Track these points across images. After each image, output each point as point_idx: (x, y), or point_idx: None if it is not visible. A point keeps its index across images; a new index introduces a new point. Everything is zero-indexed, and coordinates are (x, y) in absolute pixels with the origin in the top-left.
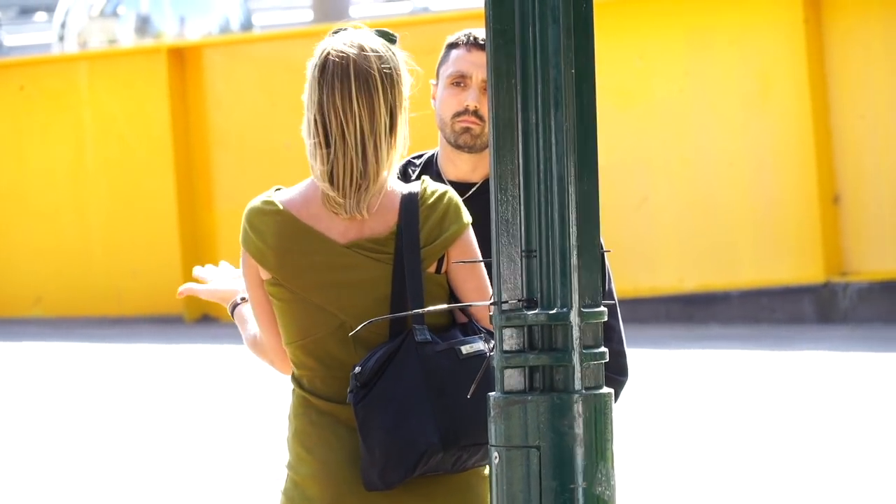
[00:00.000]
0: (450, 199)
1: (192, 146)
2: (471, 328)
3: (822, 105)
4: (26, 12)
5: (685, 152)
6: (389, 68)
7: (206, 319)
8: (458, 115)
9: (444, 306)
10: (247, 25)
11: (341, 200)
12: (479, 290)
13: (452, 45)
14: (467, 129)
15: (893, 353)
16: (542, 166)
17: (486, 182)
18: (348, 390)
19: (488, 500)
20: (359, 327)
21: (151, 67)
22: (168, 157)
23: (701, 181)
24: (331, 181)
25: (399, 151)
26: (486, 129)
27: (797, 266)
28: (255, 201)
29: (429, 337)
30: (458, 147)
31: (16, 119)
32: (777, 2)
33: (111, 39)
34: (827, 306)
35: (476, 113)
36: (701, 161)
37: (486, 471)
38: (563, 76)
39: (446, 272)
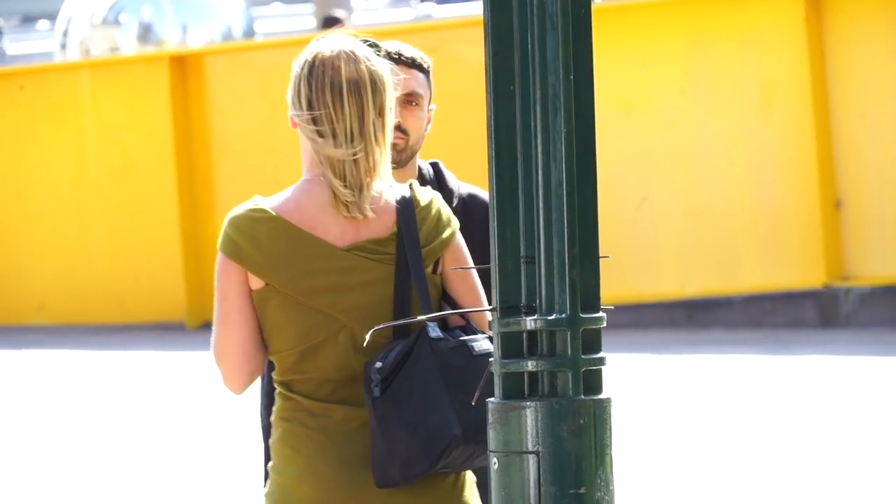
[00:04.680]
0: (440, 203)
1: (194, 154)
2: (471, 329)
3: (823, 110)
4: (29, 20)
5: (687, 158)
6: (377, 73)
7: (208, 326)
8: None
9: (451, 312)
10: (249, 33)
11: (352, 199)
12: (472, 292)
13: None
14: (392, 146)
15: (895, 358)
16: (540, 172)
17: None
18: (372, 385)
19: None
20: (369, 332)
21: (153, 75)
22: (170, 164)
23: (703, 187)
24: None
25: (388, 154)
26: (410, 143)
27: (799, 271)
28: (240, 209)
29: (441, 334)
30: None
31: (18, 127)
32: (778, 8)
33: (113, 47)
34: (828, 311)
35: (399, 128)
36: (703, 167)
37: (474, 478)
38: (562, 82)
39: (441, 274)
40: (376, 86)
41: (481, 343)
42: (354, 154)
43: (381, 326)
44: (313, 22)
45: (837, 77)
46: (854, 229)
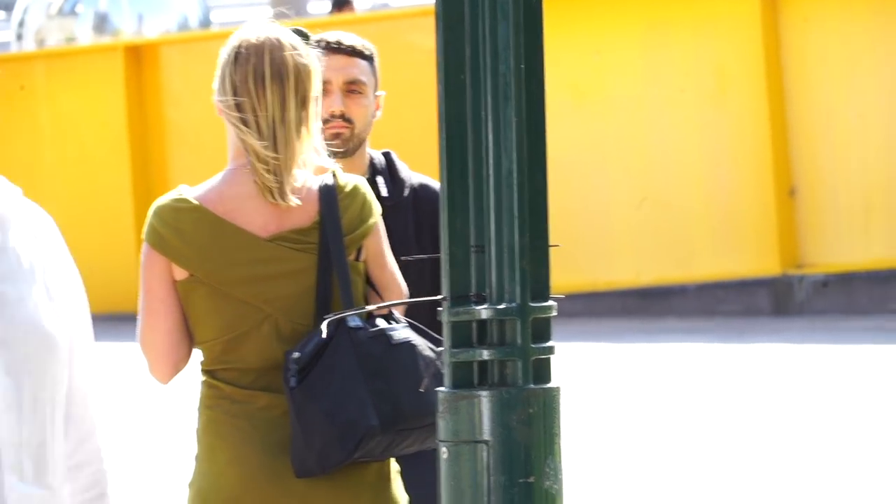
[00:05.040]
0: (365, 190)
1: (148, 144)
2: (392, 318)
3: (778, 99)
4: None
5: (641, 146)
6: (301, 62)
7: None
8: (325, 122)
9: (389, 303)
10: (205, 23)
11: (276, 185)
12: (393, 282)
13: None
14: (337, 135)
15: (848, 345)
16: (491, 161)
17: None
18: (289, 375)
19: (398, 494)
20: (325, 321)
21: (108, 66)
22: (125, 155)
23: (657, 175)
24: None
25: (312, 144)
26: (356, 131)
27: (753, 259)
28: (165, 199)
29: (360, 323)
30: (331, 154)
31: None
32: None
33: (69, 38)
34: (783, 299)
35: (343, 117)
36: (657, 155)
37: (398, 467)
38: (513, 71)
39: (364, 261)
40: (300, 75)
41: (400, 332)
42: (276, 151)
43: (333, 316)
44: (270, 12)
45: (792, 66)
46: (808, 217)
